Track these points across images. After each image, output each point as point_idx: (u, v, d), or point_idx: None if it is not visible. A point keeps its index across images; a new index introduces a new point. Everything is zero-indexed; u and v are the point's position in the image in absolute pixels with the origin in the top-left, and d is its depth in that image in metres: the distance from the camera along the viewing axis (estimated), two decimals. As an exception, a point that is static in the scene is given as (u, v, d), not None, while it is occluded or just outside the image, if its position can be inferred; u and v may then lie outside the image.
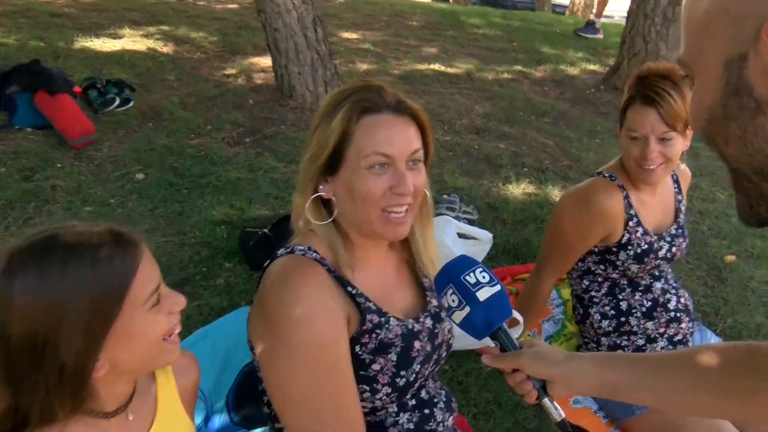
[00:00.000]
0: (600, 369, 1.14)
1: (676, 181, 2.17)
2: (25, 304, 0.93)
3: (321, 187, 1.35)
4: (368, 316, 1.31)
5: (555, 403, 1.14)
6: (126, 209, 2.91)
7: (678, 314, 2.10)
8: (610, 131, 4.45)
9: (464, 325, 1.14)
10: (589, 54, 6.65)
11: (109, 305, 0.97)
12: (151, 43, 4.97)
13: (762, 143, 0.69)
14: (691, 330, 2.14)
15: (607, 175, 2.04)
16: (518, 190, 3.50)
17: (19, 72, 3.45)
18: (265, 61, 4.75)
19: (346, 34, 6.32)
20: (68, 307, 0.94)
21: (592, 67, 6.02)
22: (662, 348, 2.07)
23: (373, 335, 1.31)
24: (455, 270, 1.17)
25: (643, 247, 2.00)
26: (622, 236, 2.00)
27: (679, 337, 2.10)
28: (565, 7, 16.31)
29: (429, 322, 1.45)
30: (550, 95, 5.13)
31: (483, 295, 1.12)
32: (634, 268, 2.02)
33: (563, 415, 1.13)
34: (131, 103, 3.81)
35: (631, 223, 2.00)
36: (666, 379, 1.12)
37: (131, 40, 4.99)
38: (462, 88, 4.98)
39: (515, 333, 2.20)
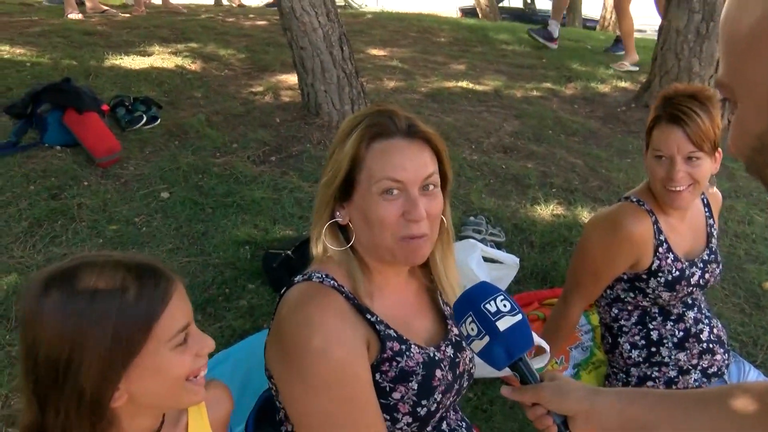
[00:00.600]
0: (625, 405, 1.10)
1: (707, 205, 2.12)
2: (52, 325, 0.96)
3: (337, 213, 1.35)
4: (388, 344, 1.30)
5: None
6: (150, 228, 2.93)
7: (711, 345, 2.04)
8: (641, 151, 4.34)
9: (484, 355, 1.11)
10: (621, 71, 6.58)
11: (133, 338, 0.98)
12: (179, 61, 5.04)
13: None
14: (726, 362, 2.08)
15: (635, 199, 2.00)
16: (546, 211, 3.46)
17: (50, 91, 3.52)
18: (293, 79, 4.78)
19: (374, 51, 6.34)
20: (91, 334, 0.96)
21: (623, 84, 5.95)
22: (695, 380, 2.01)
23: (394, 363, 1.30)
24: (475, 297, 1.13)
25: (675, 274, 1.95)
26: (652, 263, 1.95)
27: (713, 369, 2.04)
28: (596, 21, 16.22)
29: (450, 350, 1.43)
30: (580, 113, 5.07)
31: (503, 324, 1.09)
32: (666, 295, 1.97)
33: None
34: (158, 121, 3.85)
35: (661, 249, 1.95)
36: (696, 419, 1.07)
37: (160, 58, 5.06)
38: (490, 106, 4.95)
39: (542, 362, 2.16)
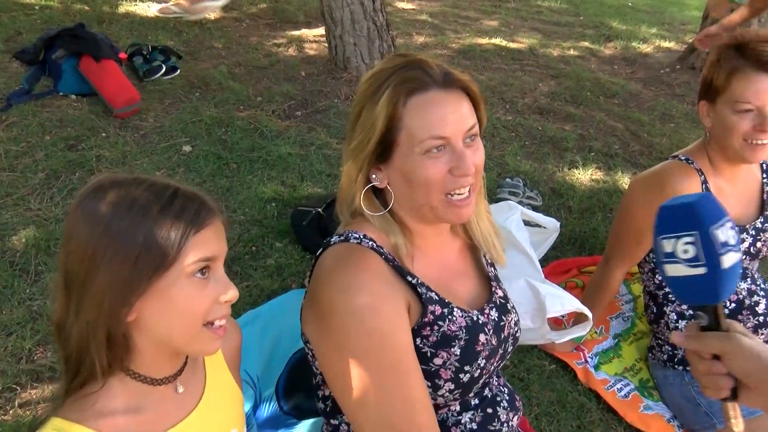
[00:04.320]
0: None
1: (766, 171, 2.09)
2: (87, 221, 1.02)
3: (373, 176, 1.32)
4: (430, 307, 1.29)
5: (740, 412, 0.98)
6: (173, 183, 2.94)
7: (767, 319, 2.03)
8: (686, 115, 4.31)
9: (680, 283, 0.96)
10: (665, 30, 6.46)
11: (156, 258, 1.00)
12: (198, 9, 4.99)
13: None
14: (781, 338, 2.07)
15: (683, 158, 1.98)
16: (585, 176, 3.43)
17: (64, 37, 3.50)
18: (318, 31, 4.73)
19: (402, 4, 6.26)
20: (119, 240, 1.00)
21: (667, 44, 5.84)
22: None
23: (436, 327, 1.29)
24: (703, 214, 0.93)
25: None
26: None
27: None
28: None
29: (495, 313, 1.43)
30: (620, 75, 5.00)
31: (728, 261, 0.92)
32: None
33: (741, 428, 0.98)
34: (178, 72, 3.84)
35: None
36: None
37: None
38: (525, 65, 4.89)
39: (583, 330, 2.17)
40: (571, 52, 5.36)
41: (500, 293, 1.50)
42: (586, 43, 5.62)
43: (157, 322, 1.04)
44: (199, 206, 1.05)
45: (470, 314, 1.36)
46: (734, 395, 0.96)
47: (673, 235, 0.95)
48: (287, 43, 4.75)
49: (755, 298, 2.03)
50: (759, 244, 2.02)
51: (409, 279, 1.29)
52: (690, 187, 1.93)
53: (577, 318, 2.30)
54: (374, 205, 1.33)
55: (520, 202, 2.93)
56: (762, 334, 2.02)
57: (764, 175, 2.10)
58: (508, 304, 1.49)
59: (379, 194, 1.36)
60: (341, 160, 1.39)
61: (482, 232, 1.47)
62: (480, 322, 1.37)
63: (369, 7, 3.94)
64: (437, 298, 1.31)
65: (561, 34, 5.83)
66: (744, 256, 2.00)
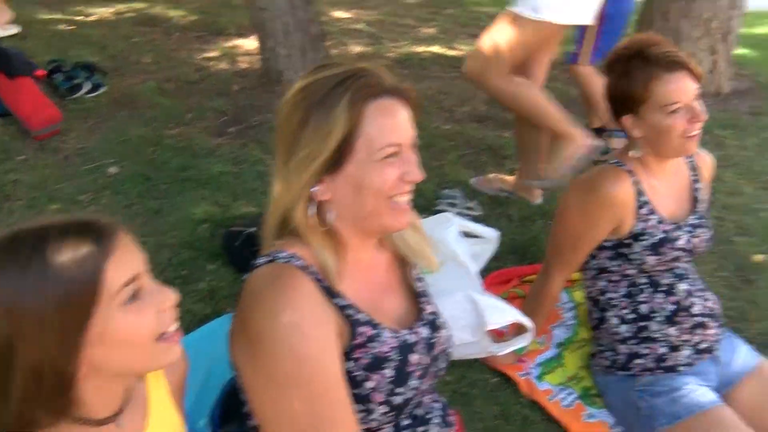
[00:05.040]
0: None
1: (693, 168, 2.16)
2: None
3: (315, 189, 1.29)
4: (359, 329, 1.28)
5: None
6: (98, 206, 2.88)
7: (704, 319, 2.08)
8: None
9: None
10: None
11: (79, 302, 0.94)
12: (124, 22, 4.93)
13: None
14: (719, 337, 2.12)
15: (613, 161, 2.04)
16: (525, 184, 3.48)
17: (-26, 53, 3.40)
18: (250, 44, 4.72)
19: (338, 13, 6.29)
20: (30, 308, 0.92)
21: (605, 48, 5.99)
22: (686, 357, 2.05)
23: (366, 349, 1.28)
24: None
25: (659, 236, 1.99)
26: (635, 225, 1.99)
27: (705, 345, 2.08)
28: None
29: (425, 331, 1.43)
30: (560, 78, 5.09)
31: None
32: (651, 260, 2.01)
33: None
34: (103, 89, 3.77)
35: (642, 211, 1.99)
36: None
37: (102, 18, 4.95)
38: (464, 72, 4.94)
39: (524, 341, 2.20)
40: (510, 58, 5.45)
41: (429, 309, 1.50)
42: (525, 49, 5.72)
43: (112, 360, 1.00)
44: (95, 234, 0.99)
45: (400, 334, 1.36)
46: None
47: None
48: (219, 56, 4.73)
49: (692, 299, 2.08)
50: (695, 240, 2.08)
51: (337, 301, 1.28)
52: (623, 189, 1.99)
53: (519, 329, 2.32)
54: (313, 221, 1.32)
55: (459, 213, 2.96)
56: (697, 334, 2.06)
57: (692, 172, 2.16)
58: (437, 320, 1.50)
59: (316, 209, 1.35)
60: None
61: (410, 241, 1.47)
62: (411, 341, 1.37)
63: (302, 18, 3.95)
64: (366, 319, 1.30)
65: (500, 40, 5.92)
66: (681, 253, 2.05)
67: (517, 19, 2.68)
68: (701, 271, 3.05)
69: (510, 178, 3.34)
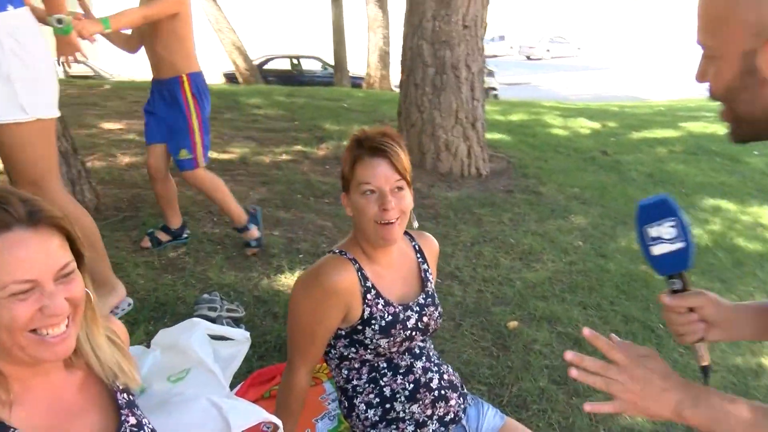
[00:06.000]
0: (756, 318, 1.45)
1: (419, 251, 2.31)
2: None
3: None
4: None
5: (706, 348, 1.40)
6: None
7: (443, 392, 2.19)
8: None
9: (663, 259, 1.38)
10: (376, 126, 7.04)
11: None
12: None
13: (762, 104, 1.12)
14: (462, 406, 2.24)
15: (337, 251, 2.13)
16: (291, 279, 3.54)
17: None
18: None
19: (108, 125, 6.19)
20: None
21: (376, 141, 6.35)
22: (434, 431, 2.14)
23: None
24: (675, 205, 1.37)
25: (387, 319, 2.08)
26: (363, 311, 2.07)
27: (450, 416, 2.18)
28: (363, 79, 17.34)
29: None
30: (332, 174, 5.32)
31: (691, 238, 1.37)
32: (384, 343, 2.09)
33: (709, 362, 1.39)
34: None
35: (369, 296, 2.08)
36: None
37: None
38: (236, 175, 5.02)
39: (273, 440, 2.18)
40: (284, 157, 5.62)
41: (133, 420, 1.46)
42: (299, 147, 5.94)
43: None
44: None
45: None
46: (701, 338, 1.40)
47: (656, 222, 1.38)
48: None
49: (429, 374, 2.19)
50: (425, 319, 2.19)
51: None
52: (346, 277, 2.06)
53: (276, 427, 2.31)
54: None
55: (218, 317, 2.94)
56: (439, 407, 2.17)
57: (418, 255, 2.31)
58: (141, 431, 1.46)
59: None
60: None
61: (102, 360, 1.43)
62: None
63: (48, 134, 3.83)
64: None
65: (275, 141, 6.10)
66: (414, 333, 2.16)
67: (13, 128, 2.55)
68: (465, 344, 3.28)
69: None
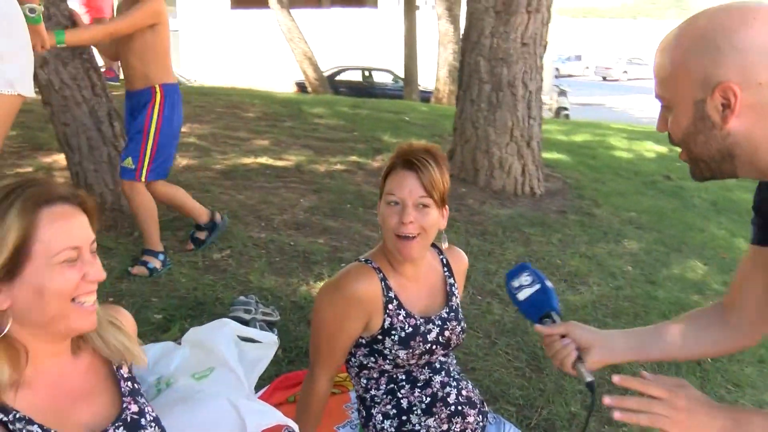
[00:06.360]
0: (628, 336, 1.67)
1: (446, 265, 2.31)
2: None
3: None
4: None
5: (586, 367, 1.57)
6: None
7: (460, 407, 2.19)
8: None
9: (528, 303, 1.71)
10: (434, 140, 7.05)
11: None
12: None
13: (714, 145, 1.27)
14: (481, 423, 2.23)
15: (363, 260, 2.15)
16: (330, 286, 3.59)
17: None
18: (66, 159, 4.71)
19: (171, 128, 6.39)
20: None
21: (433, 154, 6.36)
22: (448, 447, 2.15)
23: None
24: (528, 265, 1.78)
25: (408, 331, 2.09)
26: (384, 321, 2.09)
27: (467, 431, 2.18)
28: (432, 93, 17.40)
29: None
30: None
31: (549, 283, 1.73)
32: (403, 354, 2.10)
33: (593, 378, 1.56)
34: None
35: (390, 306, 2.09)
36: (671, 334, 1.66)
37: None
38: (288, 182, 5.12)
39: (289, 444, 2.21)
40: (338, 166, 5.70)
41: (134, 408, 1.51)
42: (354, 157, 6.01)
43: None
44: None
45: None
46: (580, 359, 1.58)
47: (516, 277, 1.74)
48: (34, 171, 4.67)
49: (447, 389, 2.19)
50: (447, 333, 2.19)
51: (2, 417, 1.29)
52: (369, 286, 2.09)
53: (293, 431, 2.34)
54: None
55: (252, 319, 3.00)
56: (456, 422, 2.17)
57: (445, 269, 2.32)
58: (142, 420, 1.52)
59: None
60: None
61: (105, 340, 1.50)
62: None
63: (108, 133, 4.00)
64: (39, 430, 1.31)
65: (331, 150, 6.19)
66: (435, 346, 2.16)
67: None
68: (497, 363, 3.26)
69: None
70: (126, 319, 1.63)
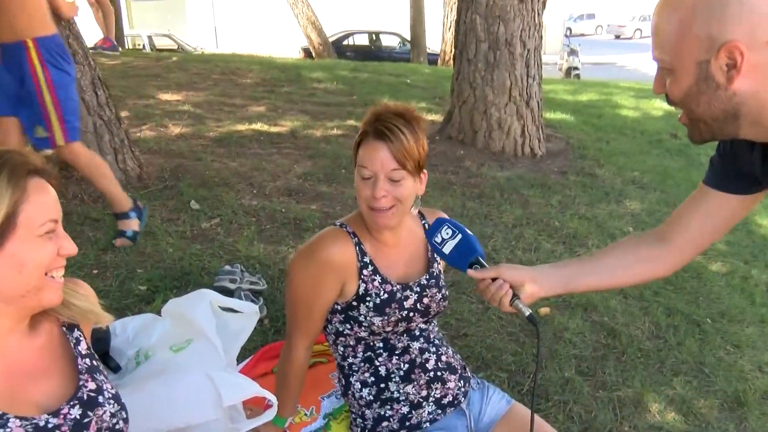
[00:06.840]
0: (557, 269, 1.73)
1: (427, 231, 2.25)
2: None
3: None
4: None
5: (523, 303, 1.63)
6: None
7: (440, 373, 2.14)
8: (435, 183, 4.62)
9: (455, 254, 1.75)
10: (434, 104, 6.95)
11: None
12: None
13: (718, 105, 1.27)
14: (463, 389, 2.18)
15: (339, 224, 2.09)
16: (320, 254, 3.53)
17: None
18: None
19: (166, 96, 6.32)
20: None
21: (433, 117, 6.27)
22: (429, 413, 2.10)
23: None
24: (445, 219, 1.83)
25: (383, 297, 2.03)
26: (359, 287, 2.03)
27: (448, 398, 2.13)
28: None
29: (76, 411, 1.40)
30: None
31: (468, 231, 1.77)
32: (378, 321, 2.05)
33: (531, 311, 1.63)
34: None
35: (365, 272, 2.03)
36: (603, 263, 1.74)
37: None
38: (282, 148, 5.05)
39: (269, 416, 2.18)
40: (335, 131, 5.62)
41: (92, 386, 1.47)
42: (352, 121, 5.92)
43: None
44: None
45: (37, 419, 1.33)
46: (515, 296, 1.63)
47: (436, 231, 1.78)
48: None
49: (426, 355, 2.14)
50: (426, 300, 2.13)
51: None
52: (343, 251, 2.03)
53: (258, 402, 2.31)
54: None
55: (238, 288, 2.96)
56: (435, 388, 2.12)
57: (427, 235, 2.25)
58: (99, 397, 1.48)
59: None
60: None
61: (75, 303, 1.49)
62: (50, 425, 1.34)
63: (92, 103, 3.94)
64: None
65: (328, 115, 6.10)
66: (413, 314, 2.11)
67: None
68: (490, 328, 3.21)
69: None
70: (84, 289, 1.61)
